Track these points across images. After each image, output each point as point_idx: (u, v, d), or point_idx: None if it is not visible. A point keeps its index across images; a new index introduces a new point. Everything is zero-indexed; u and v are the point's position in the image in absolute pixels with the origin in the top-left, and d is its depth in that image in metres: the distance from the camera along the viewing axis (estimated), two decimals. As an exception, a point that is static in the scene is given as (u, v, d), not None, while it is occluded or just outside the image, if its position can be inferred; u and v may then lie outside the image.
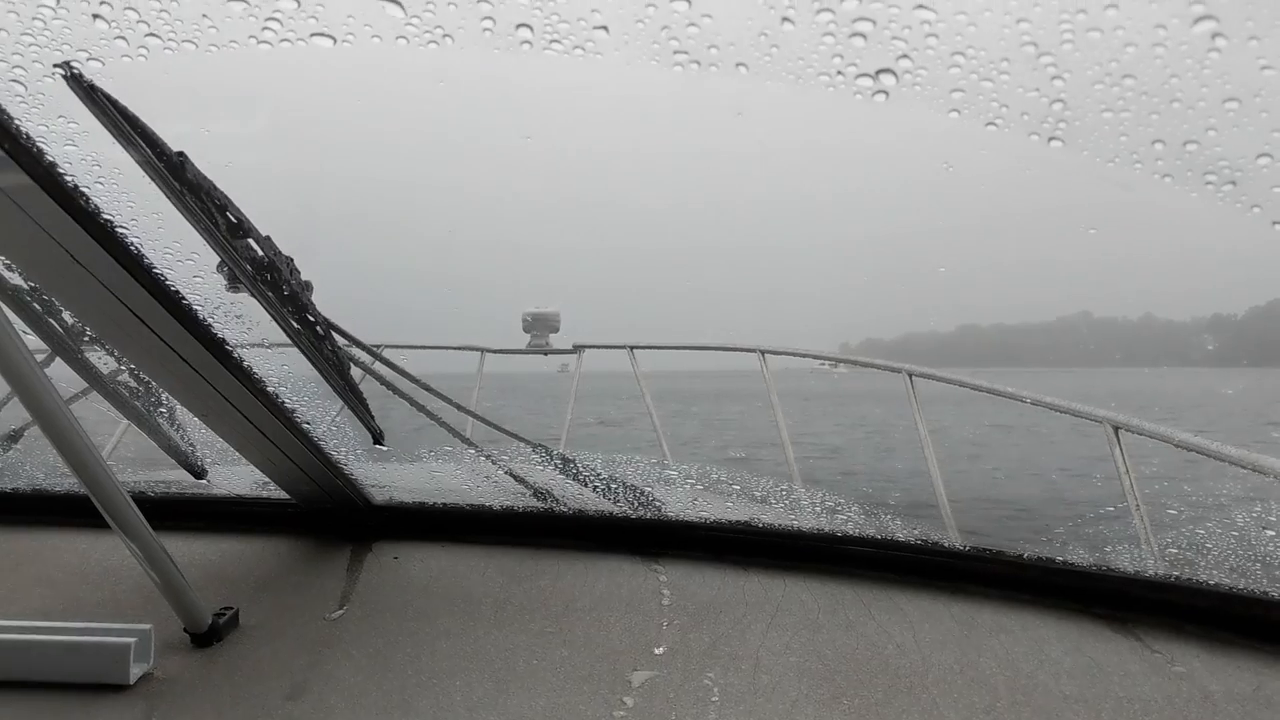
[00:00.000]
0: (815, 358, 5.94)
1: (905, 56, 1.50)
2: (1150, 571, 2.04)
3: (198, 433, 2.42)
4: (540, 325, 7.74)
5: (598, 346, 7.18)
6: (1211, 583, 1.96)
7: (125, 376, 2.14)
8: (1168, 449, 3.55)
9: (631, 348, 6.62)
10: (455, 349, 7.00)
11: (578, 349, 7.20)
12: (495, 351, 7.21)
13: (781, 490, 2.68)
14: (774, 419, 5.66)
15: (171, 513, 2.35)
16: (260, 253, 1.72)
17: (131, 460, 3.53)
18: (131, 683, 1.69)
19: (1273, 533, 2.24)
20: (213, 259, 1.62)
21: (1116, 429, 3.82)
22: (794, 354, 6.00)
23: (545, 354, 7.68)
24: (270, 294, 1.75)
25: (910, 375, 5.00)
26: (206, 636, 1.85)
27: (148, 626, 1.75)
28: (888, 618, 1.97)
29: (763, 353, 5.91)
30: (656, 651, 1.85)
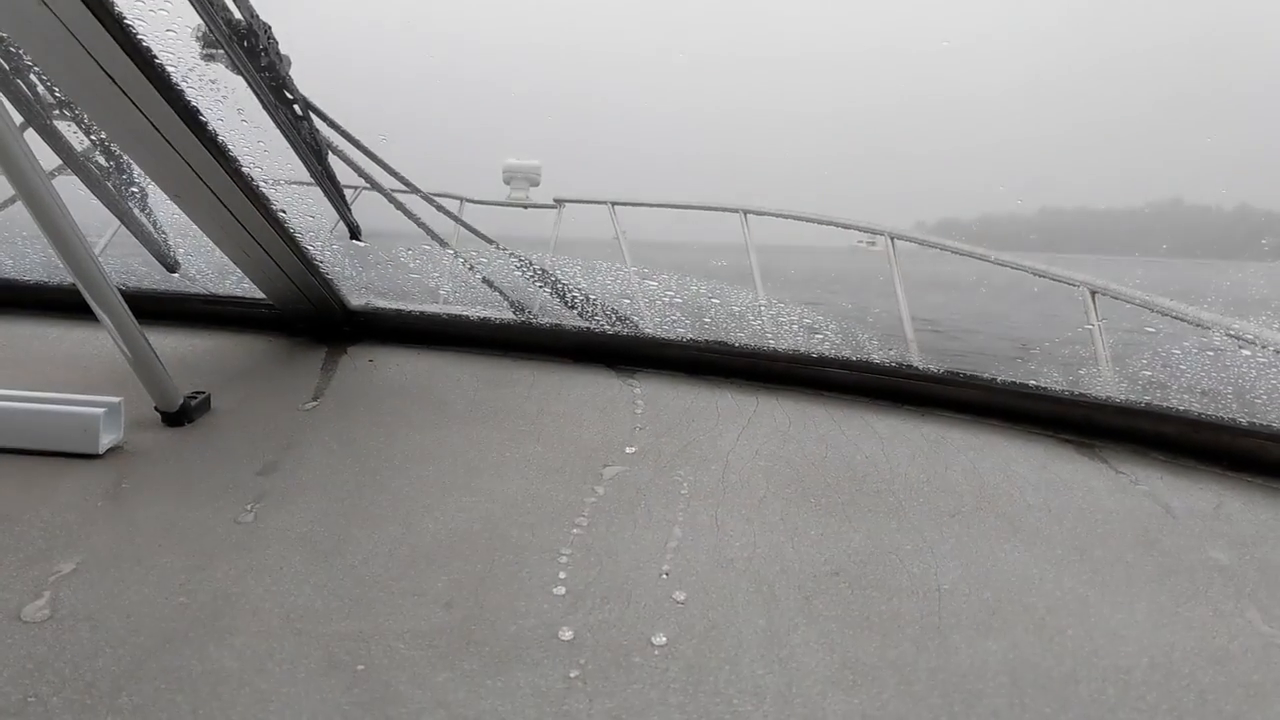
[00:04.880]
0: (796, 218, 5.88)
1: None
2: (1120, 398, 2.05)
3: (172, 223, 2.37)
4: (520, 178, 7.60)
5: (579, 201, 7.08)
6: (1180, 408, 1.98)
7: (97, 154, 2.09)
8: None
9: (613, 204, 6.54)
10: (434, 195, 6.90)
11: (559, 203, 7.10)
12: (475, 201, 7.10)
13: (760, 306, 2.68)
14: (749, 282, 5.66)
15: (143, 306, 2.31)
16: (237, 14, 1.65)
17: (105, 254, 3.48)
18: (101, 452, 1.69)
19: (1248, 352, 2.25)
20: (186, 13, 1.55)
21: (1094, 293, 3.84)
22: (775, 214, 5.93)
23: (525, 208, 7.56)
24: (247, 61, 1.68)
25: (891, 238, 5.03)
26: (178, 416, 1.85)
27: (118, 399, 1.74)
28: (858, 434, 1.99)
29: (744, 213, 5.87)
30: (628, 450, 1.86)
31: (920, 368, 2.18)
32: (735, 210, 5.96)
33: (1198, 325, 3.26)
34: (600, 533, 1.53)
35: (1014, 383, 2.10)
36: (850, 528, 1.60)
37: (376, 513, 1.56)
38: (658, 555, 1.47)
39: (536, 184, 7.68)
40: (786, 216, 5.99)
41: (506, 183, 7.61)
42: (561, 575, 1.40)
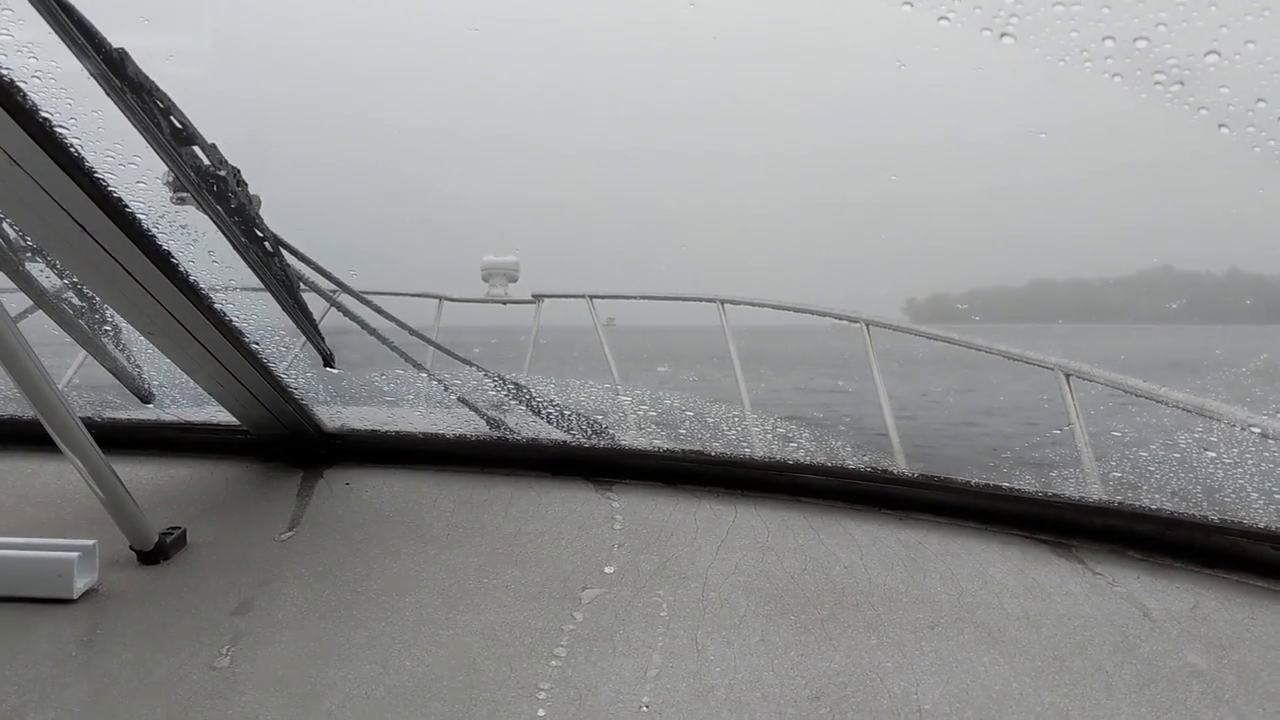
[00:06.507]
0: (773, 307, 5.95)
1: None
2: (1094, 497, 2.07)
3: (145, 354, 2.38)
4: (499, 274, 7.65)
5: (557, 296, 7.13)
6: (1153, 507, 2.00)
7: (69, 294, 2.10)
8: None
9: (591, 297, 6.59)
10: (412, 295, 6.94)
11: (537, 298, 7.15)
12: (453, 300, 7.15)
13: (734, 417, 2.69)
14: (732, 368, 5.70)
15: (117, 437, 2.31)
16: (206, 161, 1.68)
17: (77, 387, 3.49)
18: (75, 597, 1.68)
19: (1213, 454, 2.28)
20: (155, 165, 1.58)
21: (1068, 375, 3.88)
22: (750, 304, 6.00)
23: (504, 304, 7.60)
24: (217, 205, 1.71)
25: (867, 325, 5.07)
26: (153, 554, 1.84)
27: (92, 542, 1.74)
28: (836, 542, 1.99)
29: (722, 303, 5.93)
30: (607, 571, 1.86)
31: (895, 471, 2.20)
32: (712, 300, 6.02)
33: (1171, 405, 3.30)
34: (579, 663, 1.52)
35: (989, 484, 2.12)
36: (830, 646, 1.59)
37: (352, 651, 1.55)
38: (637, 686, 1.47)
39: (515, 279, 7.72)
40: (763, 305, 6.06)
41: (485, 279, 7.66)
42: (540, 713, 1.39)
